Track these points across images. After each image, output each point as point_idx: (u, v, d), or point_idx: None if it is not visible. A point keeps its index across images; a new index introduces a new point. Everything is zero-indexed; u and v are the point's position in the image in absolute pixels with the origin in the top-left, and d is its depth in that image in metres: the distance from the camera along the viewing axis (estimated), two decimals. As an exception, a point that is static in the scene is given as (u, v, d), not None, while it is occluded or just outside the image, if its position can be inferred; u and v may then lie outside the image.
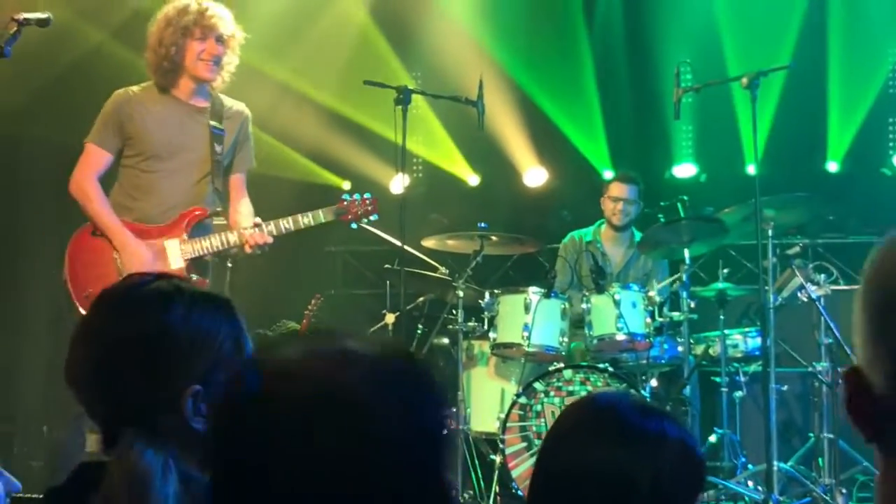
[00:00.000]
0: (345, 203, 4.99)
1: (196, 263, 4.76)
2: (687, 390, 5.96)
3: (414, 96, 5.46)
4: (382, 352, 1.21)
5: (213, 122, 4.81)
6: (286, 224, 4.81)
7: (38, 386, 6.95)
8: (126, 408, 1.71)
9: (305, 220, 4.83)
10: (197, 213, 4.76)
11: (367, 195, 5.08)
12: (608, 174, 8.16)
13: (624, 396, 1.74)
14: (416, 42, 8.30)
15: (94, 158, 4.74)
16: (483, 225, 6.18)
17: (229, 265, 6.62)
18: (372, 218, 5.07)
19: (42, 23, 4.36)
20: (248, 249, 4.78)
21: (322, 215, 4.88)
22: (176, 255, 4.70)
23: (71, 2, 6.29)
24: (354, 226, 5.05)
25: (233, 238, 4.76)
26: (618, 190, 6.75)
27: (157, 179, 4.72)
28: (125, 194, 4.75)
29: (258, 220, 4.81)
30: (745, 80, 5.44)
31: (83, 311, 4.59)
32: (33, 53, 5.05)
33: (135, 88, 4.78)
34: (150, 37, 4.72)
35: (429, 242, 6.37)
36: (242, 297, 6.82)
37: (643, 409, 1.68)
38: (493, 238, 6.22)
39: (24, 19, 4.27)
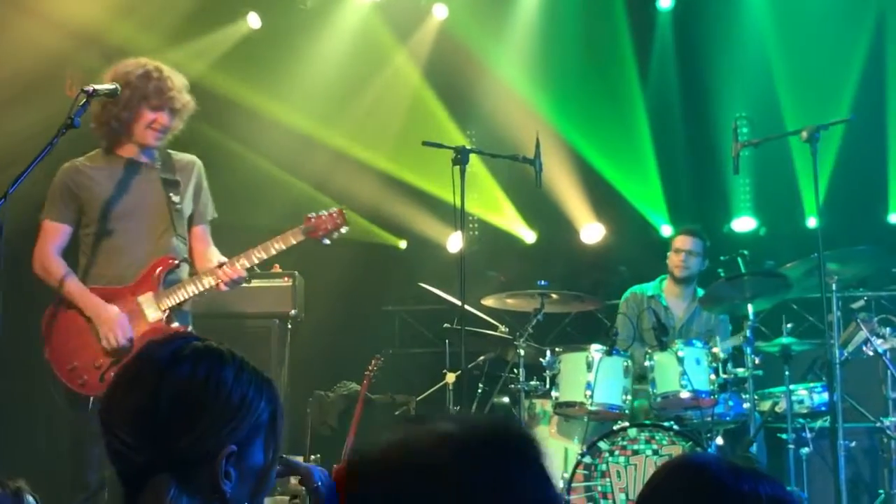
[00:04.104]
0: (312, 220, 4.79)
1: (175, 313, 4.72)
2: (753, 448, 5.87)
3: (469, 155, 5.47)
4: (477, 431, 1.19)
5: (163, 175, 4.80)
6: (258, 254, 4.70)
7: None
8: (167, 455, 1.72)
9: (277, 245, 4.72)
10: (167, 262, 4.72)
11: (332, 209, 4.85)
12: (666, 229, 8.15)
13: (716, 457, 1.71)
14: (470, 102, 8.39)
15: (53, 234, 4.73)
16: (543, 283, 6.18)
17: (289, 327, 6.69)
18: (342, 230, 4.84)
19: (111, 94, 4.46)
20: (222, 287, 4.70)
21: (292, 237, 4.76)
22: (152, 308, 4.67)
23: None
24: (327, 241, 4.80)
25: (207, 281, 4.69)
26: (681, 242, 6.77)
27: (119, 239, 4.71)
28: (92, 261, 4.73)
29: (223, 258, 4.75)
30: (804, 134, 5.40)
31: (69, 385, 4.59)
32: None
33: (80, 159, 4.74)
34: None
35: (488, 301, 6.38)
36: (302, 359, 6.88)
37: (736, 470, 1.65)
38: (554, 296, 6.21)
39: (94, 90, 4.37)
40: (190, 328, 4.79)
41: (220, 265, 4.70)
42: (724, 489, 1.61)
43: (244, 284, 6.64)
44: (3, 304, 3.89)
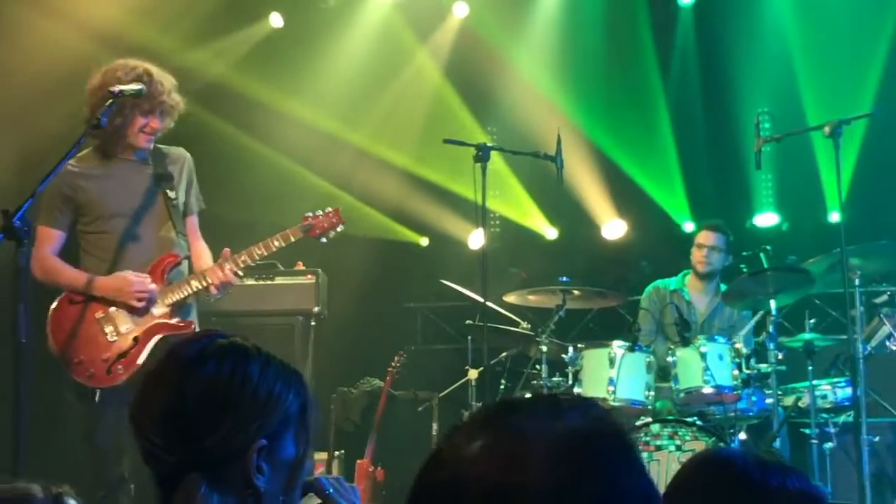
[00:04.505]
0: (309, 219, 4.95)
1: (178, 308, 4.77)
2: (777, 443, 5.87)
3: (491, 152, 5.48)
4: (564, 429, 1.15)
5: (156, 171, 4.84)
6: (258, 251, 4.79)
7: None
8: (197, 454, 1.74)
9: (276, 242, 4.84)
10: (169, 259, 4.78)
11: (328, 209, 5.00)
12: (688, 225, 8.14)
13: (743, 451, 1.72)
14: (491, 99, 8.39)
15: (48, 239, 4.76)
16: (565, 279, 6.19)
17: (313, 324, 6.72)
18: (338, 229, 4.99)
19: (136, 94, 4.50)
20: (213, 291, 4.76)
21: (291, 235, 4.88)
22: (158, 302, 4.72)
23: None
24: (324, 240, 4.97)
25: (206, 280, 4.76)
26: (703, 237, 6.76)
27: (120, 237, 4.74)
28: (96, 259, 4.76)
29: (227, 250, 4.80)
30: (827, 129, 5.39)
31: (76, 378, 4.64)
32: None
33: (72, 161, 4.70)
34: (92, 94, 4.66)
35: (510, 297, 6.39)
36: (326, 356, 6.92)
37: (763, 464, 1.66)
38: (576, 292, 6.22)
39: (120, 91, 4.42)
40: (194, 322, 4.85)
41: (223, 259, 4.76)
42: (751, 483, 1.62)
43: (267, 282, 6.74)
44: (33, 302, 3.94)
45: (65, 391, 4.71)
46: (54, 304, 4.74)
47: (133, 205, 4.78)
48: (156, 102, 4.70)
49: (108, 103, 4.36)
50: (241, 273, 4.85)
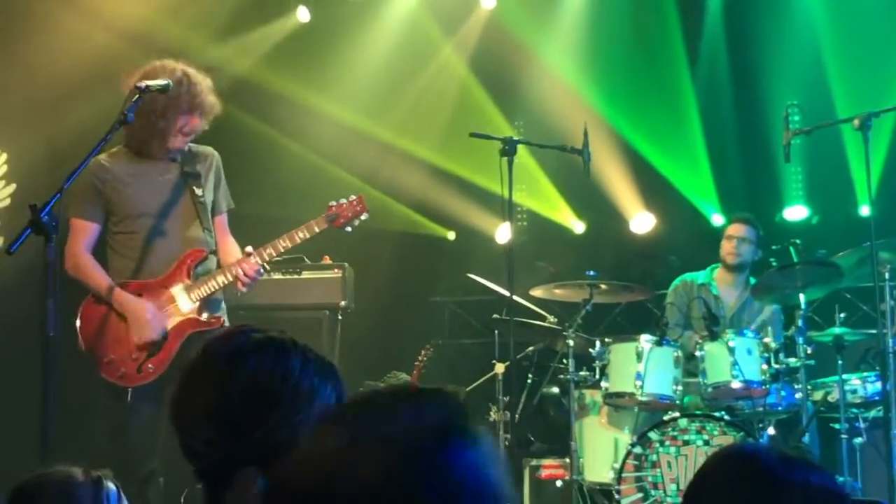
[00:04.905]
0: (333, 208, 4.89)
1: (206, 303, 4.77)
2: (806, 438, 5.84)
3: (517, 146, 5.47)
4: (398, 429, 1.11)
5: (185, 169, 4.85)
6: (283, 243, 4.78)
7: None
8: (245, 449, 1.74)
9: (301, 234, 4.80)
10: (198, 254, 4.78)
11: (352, 197, 4.94)
12: (717, 218, 8.09)
13: (767, 446, 1.71)
14: (517, 93, 8.37)
15: (82, 232, 4.78)
16: (592, 273, 6.17)
17: (340, 318, 6.74)
18: (363, 217, 4.93)
19: (163, 89, 4.51)
20: (240, 286, 4.77)
21: (316, 226, 4.83)
22: (184, 298, 4.72)
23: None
24: (349, 229, 4.91)
25: (232, 275, 4.76)
26: (733, 229, 6.74)
27: (148, 236, 4.76)
28: (123, 258, 4.78)
29: (249, 248, 4.80)
30: (856, 122, 5.36)
31: (107, 378, 4.67)
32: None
33: (104, 156, 4.76)
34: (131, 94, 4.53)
35: (536, 292, 6.38)
36: (352, 350, 6.93)
37: (786, 460, 1.65)
38: (603, 286, 6.20)
39: (146, 86, 4.43)
40: (223, 317, 4.86)
41: (248, 255, 4.76)
42: (774, 478, 1.61)
43: (294, 276, 6.74)
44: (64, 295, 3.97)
45: (99, 390, 4.73)
46: (83, 303, 4.77)
47: (160, 203, 4.80)
48: (196, 102, 4.72)
49: (134, 98, 4.38)
50: (267, 267, 4.86)
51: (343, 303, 6.71)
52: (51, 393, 3.68)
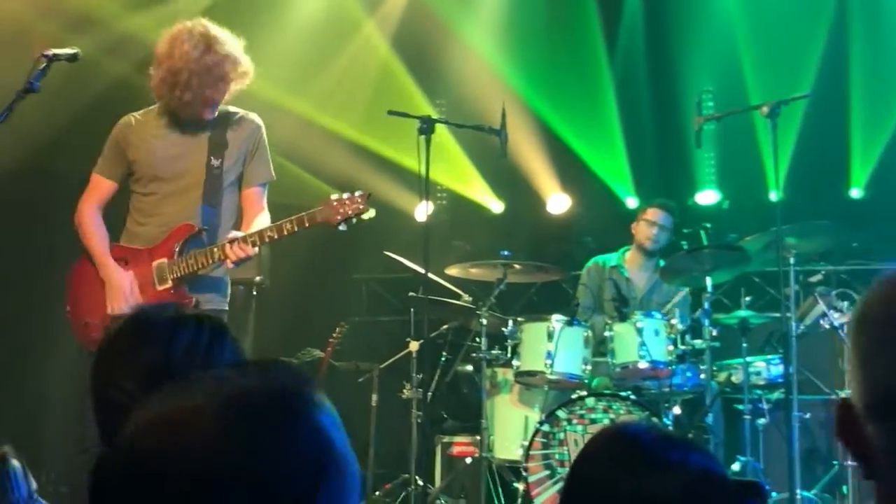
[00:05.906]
0: (334, 203, 4.46)
1: (187, 280, 4.62)
2: (709, 418, 5.96)
3: (437, 125, 5.48)
4: (241, 389, 1.11)
5: (212, 137, 4.70)
6: (270, 233, 4.47)
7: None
8: None
9: (289, 226, 4.43)
10: (187, 229, 4.62)
11: (357, 193, 4.52)
12: (631, 201, 8.21)
13: (647, 427, 1.76)
14: (438, 72, 8.38)
15: (97, 188, 4.76)
16: (506, 253, 6.23)
17: (254, 293, 6.71)
18: (364, 217, 4.51)
19: (71, 58, 4.42)
20: (229, 265, 4.58)
21: (307, 220, 4.42)
22: (161, 274, 4.62)
23: (95, 37, 6.37)
24: (343, 227, 4.47)
25: (218, 254, 4.53)
26: (655, 215, 6.81)
27: (157, 201, 4.68)
28: (133, 220, 4.74)
29: (236, 233, 4.56)
30: (765, 109, 5.47)
31: (80, 340, 4.65)
32: (61, 87, 5.11)
33: (137, 114, 4.73)
34: (165, 64, 4.55)
35: (452, 270, 6.42)
36: (268, 325, 6.91)
37: (666, 439, 1.70)
38: (517, 266, 6.26)
39: (54, 55, 4.33)
40: (194, 298, 4.64)
41: (232, 241, 4.51)
42: (653, 458, 1.65)
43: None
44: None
45: (73, 354, 4.72)
46: (76, 262, 4.75)
47: (174, 169, 4.68)
48: (222, 72, 4.59)
49: (41, 66, 4.28)
50: (250, 252, 4.54)
51: (258, 278, 6.68)
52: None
